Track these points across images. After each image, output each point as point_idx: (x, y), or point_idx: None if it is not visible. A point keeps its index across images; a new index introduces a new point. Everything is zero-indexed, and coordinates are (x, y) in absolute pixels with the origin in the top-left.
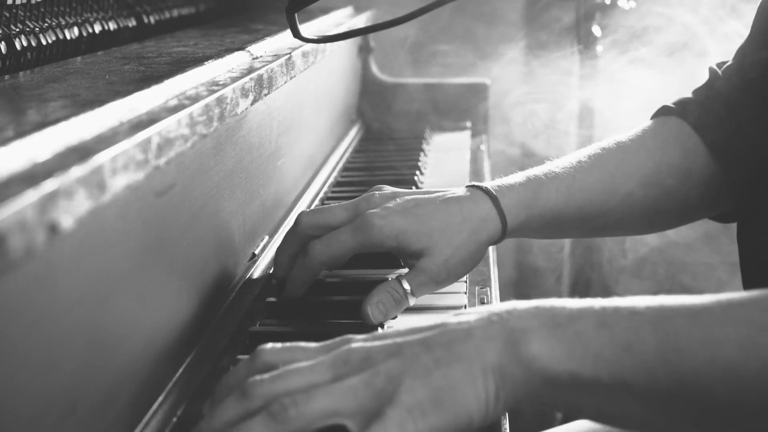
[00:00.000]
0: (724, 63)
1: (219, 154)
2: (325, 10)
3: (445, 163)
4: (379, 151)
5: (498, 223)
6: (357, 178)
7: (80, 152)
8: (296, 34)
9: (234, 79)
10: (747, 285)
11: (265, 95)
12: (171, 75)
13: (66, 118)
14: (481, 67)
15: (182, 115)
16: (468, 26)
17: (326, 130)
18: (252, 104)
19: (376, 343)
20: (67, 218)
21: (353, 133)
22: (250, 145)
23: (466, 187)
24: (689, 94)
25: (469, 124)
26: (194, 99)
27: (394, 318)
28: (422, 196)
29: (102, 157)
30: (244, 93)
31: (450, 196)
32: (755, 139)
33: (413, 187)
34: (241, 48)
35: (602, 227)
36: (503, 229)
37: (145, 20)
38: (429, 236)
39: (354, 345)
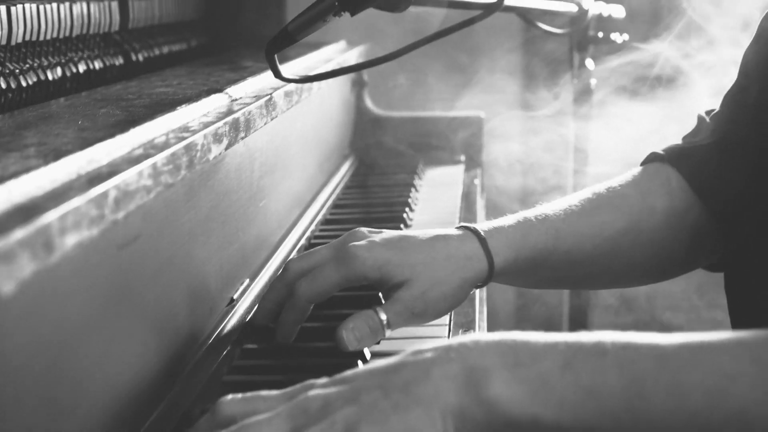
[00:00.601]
0: (712, 110)
1: (192, 200)
2: (317, 45)
3: (437, 199)
4: (370, 187)
5: (484, 263)
6: (347, 216)
7: (26, 212)
8: (277, 75)
9: (206, 125)
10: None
11: (242, 138)
12: (143, 120)
13: (21, 172)
14: (476, 100)
15: (145, 165)
16: (462, 59)
17: (315, 166)
18: (227, 149)
19: (334, 389)
20: (7, 282)
21: (345, 168)
22: (228, 188)
23: (456, 227)
24: (679, 140)
25: (463, 157)
26: (161, 147)
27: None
28: (408, 232)
29: (49, 216)
30: (217, 138)
31: (437, 233)
32: (743, 187)
33: (402, 225)
34: (221, 90)
35: (591, 275)
36: (490, 269)
37: (134, 58)
38: (412, 268)
39: (312, 393)
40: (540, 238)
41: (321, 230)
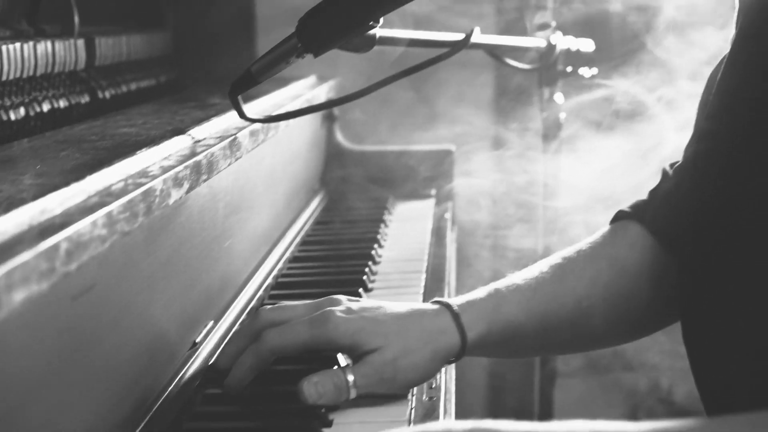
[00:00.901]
0: (676, 163)
1: (152, 245)
2: (286, 81)
3: (407, 235)
4: (340, 223)
5: (457, 338)
6: (316, 253)
7: None
8: (241, 115)
9: (166, 169)
10: (699, 386)
11: (204, 181)
12: (101, 166)
13: None
14: (446, 133)
15: (99, 215)
16: (433, 93)
17: (284, 203)
18: (188, 192)
19: None
20: None
21: (315, 204)
22: (191, 231)
23: (431, 302)
24: (645, 196)
25: (433, 191)
26: (117, 195)
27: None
28: (385, 303)
29: None
30: (178, 183)
31: (412, 307)
32: (705, 237)
33: (370, 263)
34: (184, 131)
35: (565, 341)
36: (462, 344)
37: (100, 95)
38: (385, 336)
39: None
40: (512, 310)
41: (289, 268)
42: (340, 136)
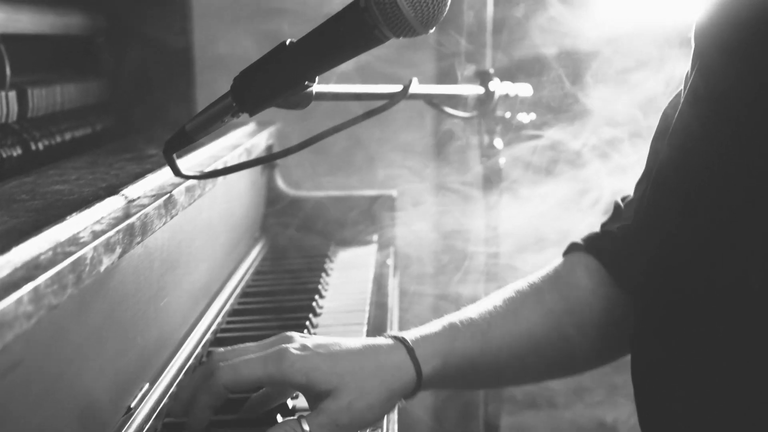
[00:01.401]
0: (627, 196)
1: (83, 314)
2: (226, 128)
3: (348, 283)
4: (280, 273)
5: (412, 373)
6: (256, 305)
7: None
8: (177, 173)
9: (98, 234)
10: (643, 422)
11: (138, 243)
12: (29, 235)
13: None
14: (388, 179)
15: (25, 291)
16: (374, 139)
17: (223, 254)
18: (120, 257)
19: None
20: None
21: (255, 252)
22: (125, 294)
23: (384, 336)
24: (597, 229)
25: (375, 237)
26: (45, 266)
27: None
28: (339, 339)
29: None
30: (110, 248)
31: (367, 343)
32: (657, 272)
33: (311, 315)
34: (117, 190)
35: (520, 373)
36: (418, 379)
37: (33, 147)
38: (340, 377)
39: None
40: (467, 344)
41: (228, 322)
42: (280, 182)
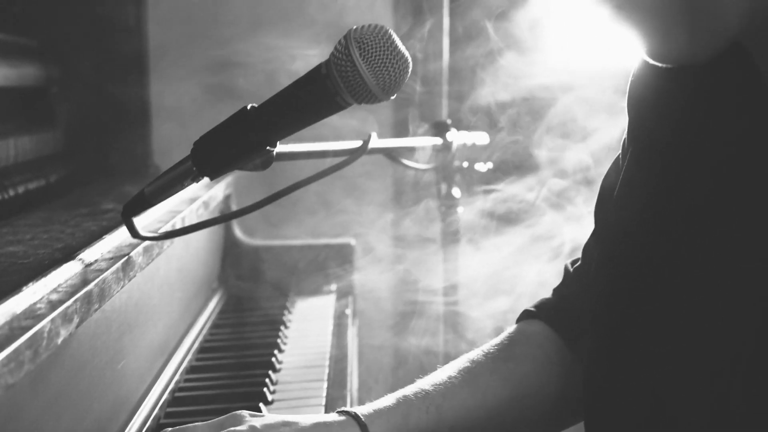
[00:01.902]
0: (577, 260)
1: (38, 387)
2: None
3: (308, 336)
4: (239, 326)
5: None
6: (214, 362)
7: None
8: (135, 235)
9: (55, 305)
10: None
11: (96, 310)
12: None
13: None
14: (346, 228)
15: None
16: (333, 188)
17: (180, 309)
18: (78, 327)
19: None
20: None
21: (213, 305)
22: (81, 361)
23: (337, 412)
24: (549, 294)
25: (333, 287)
26: (1, 344)
27: None
28: (290, 417)
29: None
30: (67, 318)
31: (318, 420)
32: (608, 338)
33: (270, 371)
34: (74, 253)
35: None
36: None
37: None
38: None
39: None
40: (422, 417)
41: (186, 380)
42: (238, 231)
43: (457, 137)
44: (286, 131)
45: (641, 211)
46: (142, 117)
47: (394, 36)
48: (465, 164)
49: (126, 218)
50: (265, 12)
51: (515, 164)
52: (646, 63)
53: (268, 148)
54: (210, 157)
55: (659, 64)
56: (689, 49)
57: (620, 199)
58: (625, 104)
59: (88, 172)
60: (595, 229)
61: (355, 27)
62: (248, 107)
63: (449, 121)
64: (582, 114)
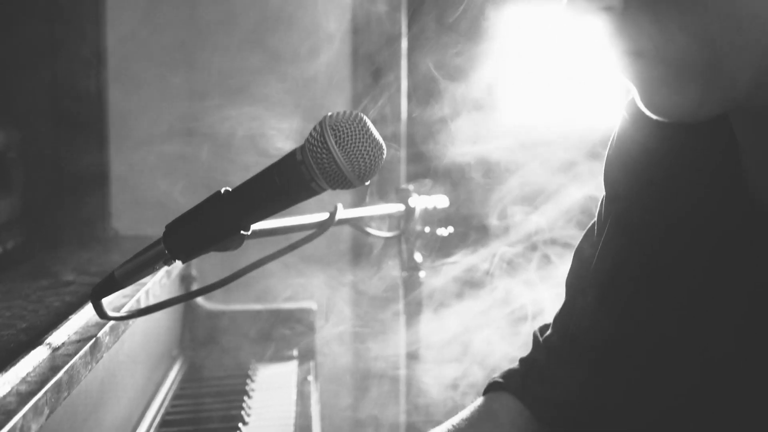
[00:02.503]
0: (546, 325)
1: None
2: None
3: (271, 407)
4: (201, 397)
5: None
6: None
7: None
8: (103, 317)
9: (25, 398)
10: None
11: (65, 398)
12: None
13: None
14: (308, 293)
15: None
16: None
17: (143, 380)
18: (48, 418)
19: None
20: None
21: (174, 374)
22: None
23: None
24: (515, 364)
25: (296, 352)
26: None
27: None
28: None
29: None
30: (38, 411)
31: None
32: (577, 411)
33: None
34: (41, 337)
35: None
36: None
37: None
38: None
39: None
40: None
41: None
42: (199, 297)
43: (418, 202)
44: (260, 216)
45: (630, 285)
46: (100, 182)
47: (369, 123)
48: (427, 229)
49: (95, 300)
50: (224, 81)
51: (475, 227)
52: (632, 124)
53: (242, 232)
54: (183, 241)
55: (657, 118)
56: (697, 106)
57: (600, 274)
58: (587, 164)
59: (46, 239)
60: (567, 300)
61: (330, 114)
62: (222, 191)
63: (411, 187)
64: (540, 175)
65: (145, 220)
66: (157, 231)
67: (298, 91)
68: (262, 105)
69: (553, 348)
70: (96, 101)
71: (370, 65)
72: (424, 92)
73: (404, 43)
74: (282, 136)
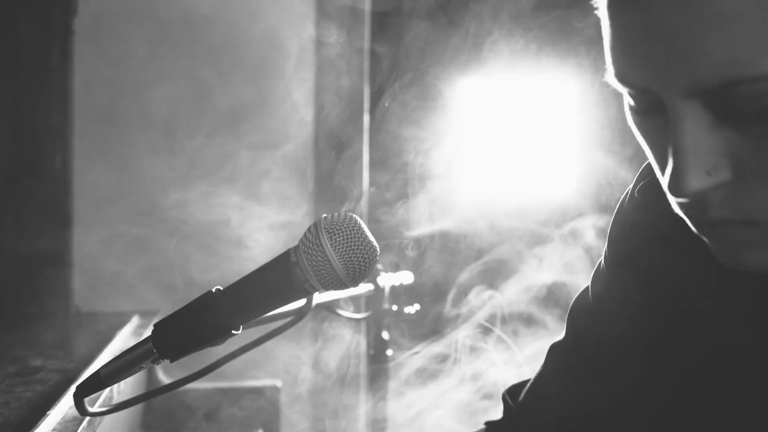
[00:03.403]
0: (517, 389)
1: None
2: (112, 333)
3: None
4: None
5: None
6: None
7: None
8: (84, 413)
9: None
10: None
11: None
12: None
13: None
14: (272, 369)
15: None
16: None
17: None
18: None
19: None
20: None
21: None
22: None
23: None
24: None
25: (260, 431)
26: None
27: None
28: None
29: None
30: None
31: None
32: None
33: None
34: None
35: None
36: None
37: None
38: None
39: None
40: None
41: None
42: (161, 374)
43: (386, 280)
44: (252, 316)
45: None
46: (63, 260)
47: (363, 224)
48: (394, 307)
49: (77, 400)
50: (187, 160)
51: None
52: (644, 208)
53: (233, 332)
54: (173, 340)
55: (733, 267)
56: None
57: (595, 350)
58: (551, 237)
59: (8, 318)
60: (546, 368)
61: (324, 216)
62: (214, 290)
63: (379, 266)
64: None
65: (106, 297)
66: (116, 308)
67: (265, 175)
68: (229, 190)
69: (524, 413)
70: (61, 178)
71: (333, 140)
72: (385, 166)
73: (366, 118)
74: (246, 223)
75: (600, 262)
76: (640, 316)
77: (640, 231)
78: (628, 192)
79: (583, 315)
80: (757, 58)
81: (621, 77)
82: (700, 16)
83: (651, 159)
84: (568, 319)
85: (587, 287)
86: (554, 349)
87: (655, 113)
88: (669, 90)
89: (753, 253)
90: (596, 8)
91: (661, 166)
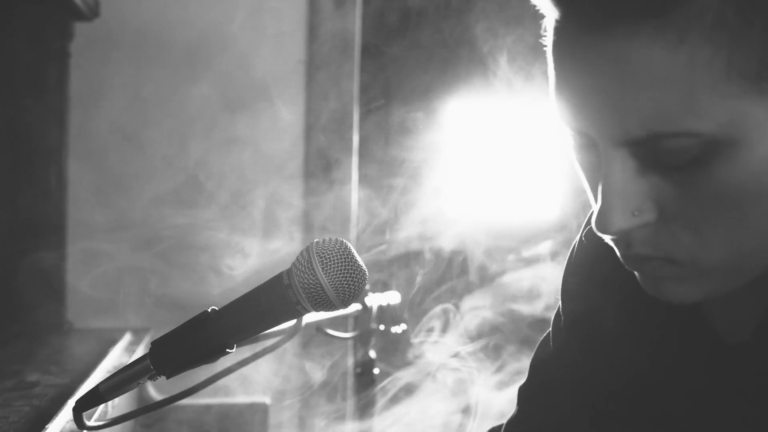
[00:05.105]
0: (497, 429)
1: None
2: (105, 350)
3: None
4: None
5: None
6: None
7: None
8: (82, 427)
9: None
10: None
11: None
12: None
13: None
14: (260, 386)
15: None
16: (247, 346)
17: None
18: None
19: None
20: None
21: None
22: None
23: None
24: None
25: None
26: None
27: None
28: None
29: None
30: None
31: None
32: None
33: None
34: None
35: None
36: None
37: None
38: None
39: None
40: None
41: None
42: (152, 390)
43: (374, 300)
44: (246, 335)
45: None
46: (56, 278)
47: (353, 250)
48: (381, 327)
49: (77, 414)
50: (180, 182)
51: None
52: (594, 250)
53: (227, 350)
54: (169, 358)
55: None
56: (702, 297)
57: (556, 391)
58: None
59: (2, 333)
60: (519, 410)
61: (316, 240)
62: (209, 311)
63: (367, 286)
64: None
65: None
66: (108, 324)
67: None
68: (219, 212)
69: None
70: (57, 197)
71: (323, 161)
72: (374, 184)
73: (355, 138)
74: (235, 244)
75: (558, 307)
76: (595, 374)
77: (586, 290)
78: (576, 242)
79: (547, 362)
80: (682, 116)
81: (560, 118)
82: (635, 74)
83: (588, 192)
84: (531, 365)
85: (549, 333)
86: (522, 393)
87: (592, 150)
88: (601, 136)
89: (674, 286)
90: (545, 46)
91: (595, 199)
